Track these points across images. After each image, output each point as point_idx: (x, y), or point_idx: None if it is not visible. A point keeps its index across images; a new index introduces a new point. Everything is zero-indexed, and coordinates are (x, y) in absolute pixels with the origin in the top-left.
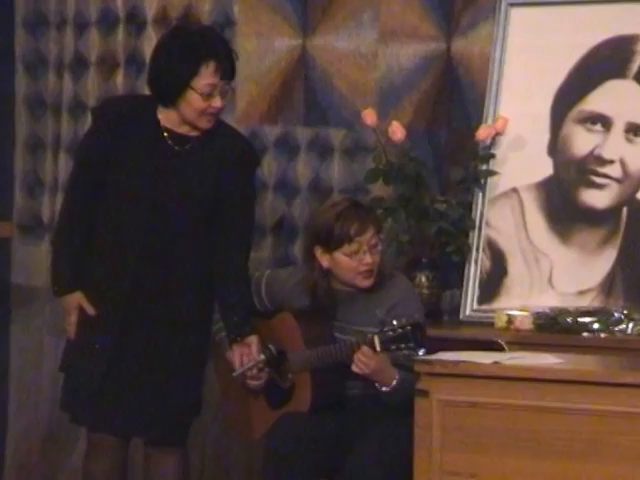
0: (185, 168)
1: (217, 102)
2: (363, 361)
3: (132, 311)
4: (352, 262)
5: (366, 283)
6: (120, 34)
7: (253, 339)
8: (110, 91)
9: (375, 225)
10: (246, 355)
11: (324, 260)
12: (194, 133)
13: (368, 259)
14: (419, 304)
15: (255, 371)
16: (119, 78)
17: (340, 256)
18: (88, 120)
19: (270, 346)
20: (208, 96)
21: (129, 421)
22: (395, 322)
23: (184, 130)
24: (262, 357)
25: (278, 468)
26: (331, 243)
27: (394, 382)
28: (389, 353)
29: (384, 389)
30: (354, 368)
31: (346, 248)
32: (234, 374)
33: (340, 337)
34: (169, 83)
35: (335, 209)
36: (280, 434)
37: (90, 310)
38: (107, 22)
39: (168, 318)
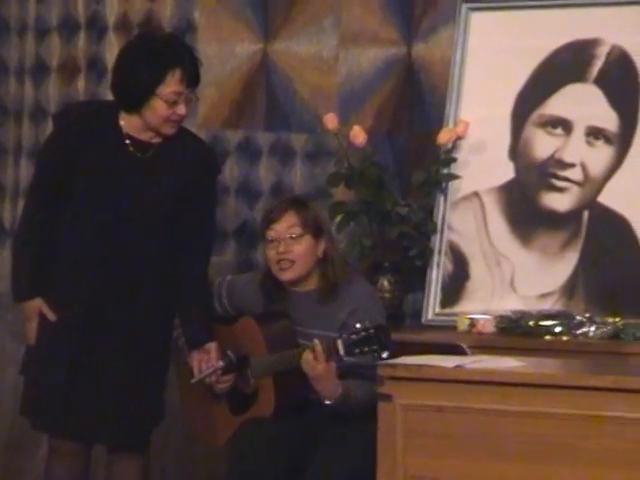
0: (147, 175)
1: (181, 109)
2: (310, 362)
3: (93, 318)
4: (270, 252)
5: (284, 276)
6: (81, 40)
7: (212, 345)
8: (71, 97)
9: (298, 216)
10: (205, 361)
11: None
12: (156, 140)
13: (281, 248)
14: (380, 308)
15: (214, 378)
16: (80, 84)
17: (265, 246)
18: (49, 126)
19: (229, 352)
20: (173, 103)
21: (90, 428)
22: (358, 325)
23: (146, 137)
24: (221, 364)
25: (242, 474)
26: (261, 232)
27: (337, 395)
28: (353, 357)
29: (327, 402)
30: (302, 365)
31: (267, 236)
32: (192, 381)
33: (303, 343)
34: (134, 90)
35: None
36: (244, 440)
37: (50, 316)
38: (68, 28)
39: (129, 324)
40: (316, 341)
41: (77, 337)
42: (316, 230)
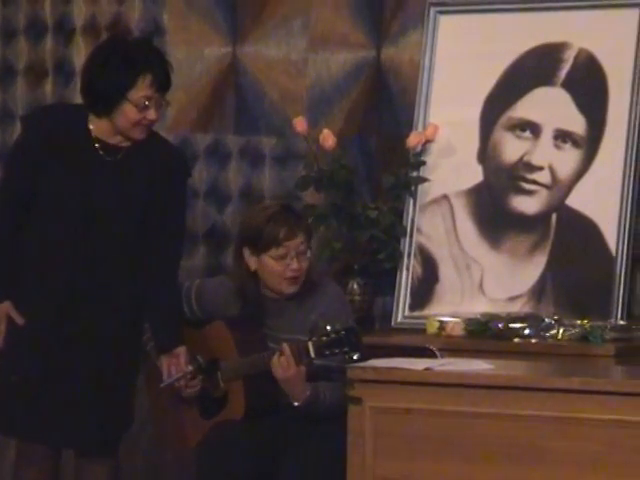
0: (116, 178)
1: (152, 114)
2: (283, 364)
3: (62, 322)
4: (279, 266)
5: (291, 289)
6: (48, 42)
7: (181, 350)
8: (39, 100)
9: (305, 232)
10: (174, 366)
11: (252, 262)
12: (125, 143)
13: (295, 265)
14: (348, 311)
15: (183, 382)
16: (48, 87)
17: (267, 259)
18: (17, 128)
19: (198, 357)
20: (143, 108)
21: (59, 432)
22: (329, 327)
23: (116, 140)
24: (190, 368)
25: (212, 478)
26: (259, 245)
27: (305, 397)
28: (324, 359)
29: (295, 403)
30: (273, 367)
31: (274, 252)
32: (161, 385)
33: (274, 346)
34: (104, 94)
35: (267, 211)
36: (214, 443)
37: (19, 320)
38: (35, 30)
39: (98, 328)
40: (285, 345)
41: (45, 341)
42: (310, 240)
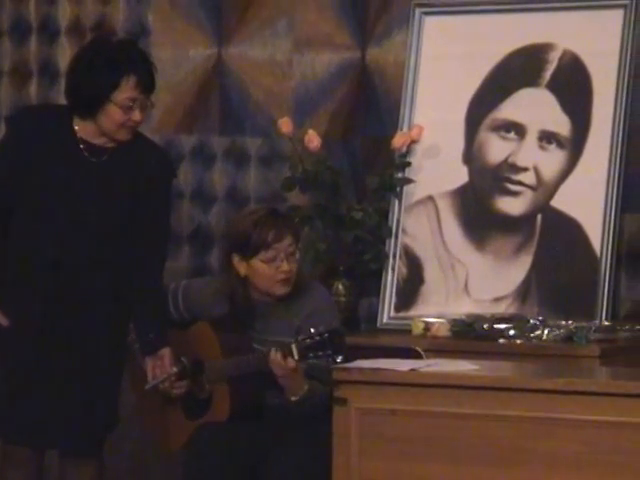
0: (101, 180)
1: (136, 116)
2: (280, 363)
3: (46, 323)
4: (269, 269)
5: (282, 291)
6: (33, 43)
7: (166, 351)
8: (23, 101)
9: (293, 233)
10: (159, 367)
11: (241, 268)
12: (111, 145)
13: (285, 267)
14: (335, 313)
15: (167, 384)
16: (32, 87)
17: (257, 263)
18: (1, 130)
19: (183, 358)
20: (128, 109)
21: (43, 433)
22: (312, 330)
23: (101, 141)
24: (174, 370)
25: (198, 479)
26: (248, 250)
27: (302, 392)
28: (307, 361)
29: (293, 398)
30: (271, 365)
31: (263, 255)
32: (146, 387)
33: (259, 348)
34: (88, 95)
35: (253, 216)
36: (199, 445)
37: (3, 321)
38: (20, 31)
39: (82, 329)
40: (273, 349)
41: (30, 343)
42: (298, 242)
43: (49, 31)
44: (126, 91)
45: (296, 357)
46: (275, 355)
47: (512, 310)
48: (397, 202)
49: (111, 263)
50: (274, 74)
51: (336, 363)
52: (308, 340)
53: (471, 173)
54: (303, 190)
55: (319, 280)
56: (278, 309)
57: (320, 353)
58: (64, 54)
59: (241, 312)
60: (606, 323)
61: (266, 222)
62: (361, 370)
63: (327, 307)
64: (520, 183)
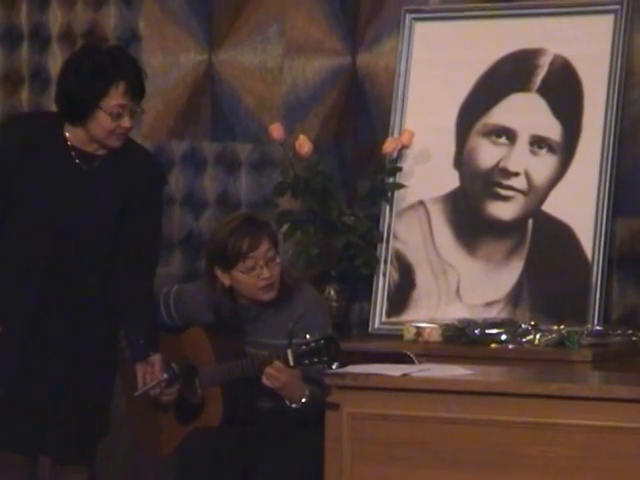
0: (92, 186)
1: (126, 122)
2: (274, 375)
3: (36, 329)
4: (250, 278)
5: (267, 296)
6: (24, 50)
7: (156, 358)
8: (15, 107)
9: (269, 238)
10: (149, 374)
11: (225, 279)
12: (102, 152)
13: (266, 273)
14: (326, 314)
15: (158, 390)
16: (24, 94)
17: (238, 274)
18: None
19: (173, 365)
20: (117, 116)
21: (35, 440)
22: (308, 336)
23: (92, 148)
24: (165, 376)
25: None
26: (227, 262)
27: (304, 399)
28: (302, 367)
29: (293, 406)
30: (264, 380)
31: (241, 265)
32: (135, 394)
33: (252, 351)
34: (78, 103)
35: (227, 227)
36: (191, 449)
37: None
38: (11, 38)
39: (73, 336)
40: (266, 354)
41: (21, 348)
42: (277, 245)
43: (40, 38)
44: (115, 98)
45: (292, 363)
46: (268, 369)
47: (504, 315)
48: (388, 207)
49: (102, 269)
50: (265, 80)
51: (330, 370)
52: (304, 346)
53: (462, 178)
54: (294, 195)
55: (311, 285)
56: (269, 311)
57: (316, 360)
58: (55, 61)
59: (228, 319)
60: (598, 328)
61: (240, 232)
62: (353, 375)
63: (318, 308)
64: (511, 188)
